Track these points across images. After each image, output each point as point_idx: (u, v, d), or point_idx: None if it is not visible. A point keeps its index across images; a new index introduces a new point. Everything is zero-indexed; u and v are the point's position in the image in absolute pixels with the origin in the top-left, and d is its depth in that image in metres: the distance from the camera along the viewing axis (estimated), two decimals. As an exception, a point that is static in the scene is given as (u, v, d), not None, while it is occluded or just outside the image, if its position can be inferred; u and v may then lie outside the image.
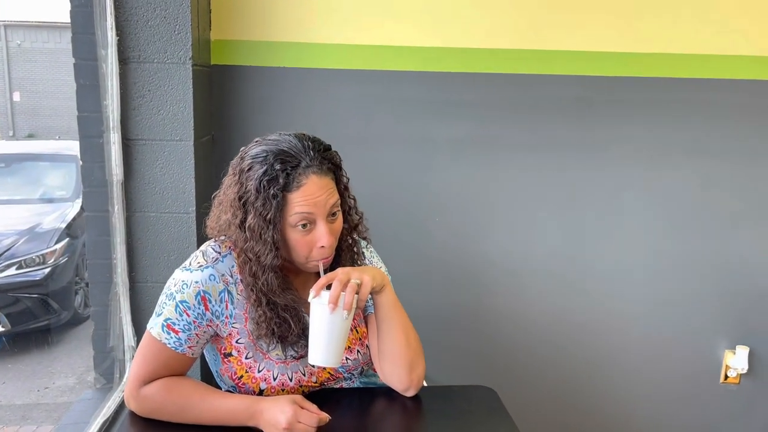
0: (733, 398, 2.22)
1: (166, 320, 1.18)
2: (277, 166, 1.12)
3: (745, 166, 2.06)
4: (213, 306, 1.19)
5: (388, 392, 1.32)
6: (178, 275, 1.21)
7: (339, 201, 1.20)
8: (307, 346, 1.16)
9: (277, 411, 1.11)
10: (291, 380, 1.25)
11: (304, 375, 1.26)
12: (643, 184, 2.06)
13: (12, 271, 4.03)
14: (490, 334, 2.13)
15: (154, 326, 1.20)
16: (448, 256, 2.07)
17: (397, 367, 1.27)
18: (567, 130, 2.01)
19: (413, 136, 2.00)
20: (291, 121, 1.96)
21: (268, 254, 1.15)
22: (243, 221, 1.16)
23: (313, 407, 1.14)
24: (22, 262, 4.09)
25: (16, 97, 12.49)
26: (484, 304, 2.11)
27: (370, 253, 1.40)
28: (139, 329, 1.75)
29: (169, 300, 1.19)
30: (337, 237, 1.21)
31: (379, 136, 1.98)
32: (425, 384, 1.69)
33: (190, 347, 1.20)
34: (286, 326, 1.19)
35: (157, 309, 1.21)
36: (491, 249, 2.08)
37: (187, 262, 1.23)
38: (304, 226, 1.16)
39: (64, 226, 4.38)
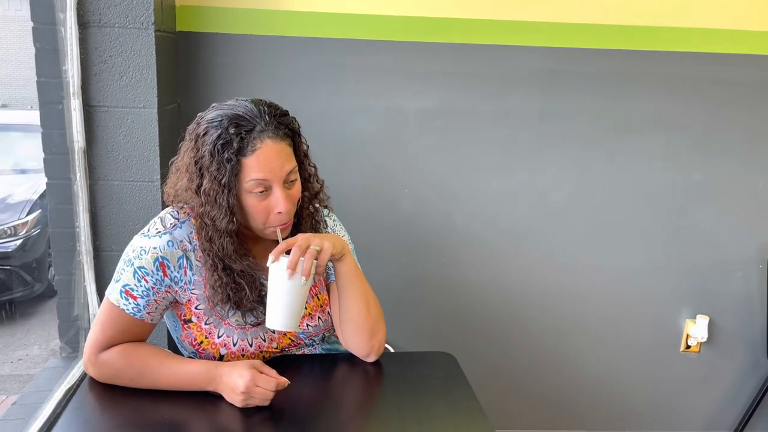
0: (693, 366, 2.29)
1: (124, 286, 1.18)
2: (232, 130, 1.11)
3: (706, 139, 2.09)
4: (171, 272, 1.19)
5: (350, 358, 1.34)
6: (137, 241, 1.21)
7: (296, 167, 1.20)
8: (265, 312, 1.17)
9: (236, 375, 1.13)
10: (251, 346, 1.25)
11: (264, 341, 1.27)
12: (607, 156, 2.08)
13: (-18, 243, 3.98)
14: (455, 302, 2.16)
15: (112, 292, 1.20)
16: (415, 226, 2.08)
17: (358, 334, 1.28)
18: (533, 101, 2.01)
19: (381, 107, 1.99)
20: (258, 90, 1.93)
21: (223, 219, 1.14)
22: (199, 186, 1.15)
23: (272, 372, 1.15)
24: (-7, 233, 4.04)
25: (-12, 66, 12.15)
26: (450, 273, 2.13)
27: (333, 222, 1.41)
28: (103, 297, 1.74)
29: (128, 266, 1.19)
30: (295, 203, 1.21)
31: (347, 105, 1.97)
32: (390, 349, 1.71)
33: (148, 313, 1.20)
34: (241, 292, 1.20)
35: (115, 275, 1.21)
36: (458, 219, 2.09)
37: (145, 229, 1.23)
38: (260, 192, 1.15)
39: (36, 197, 4.31)
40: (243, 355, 1.26)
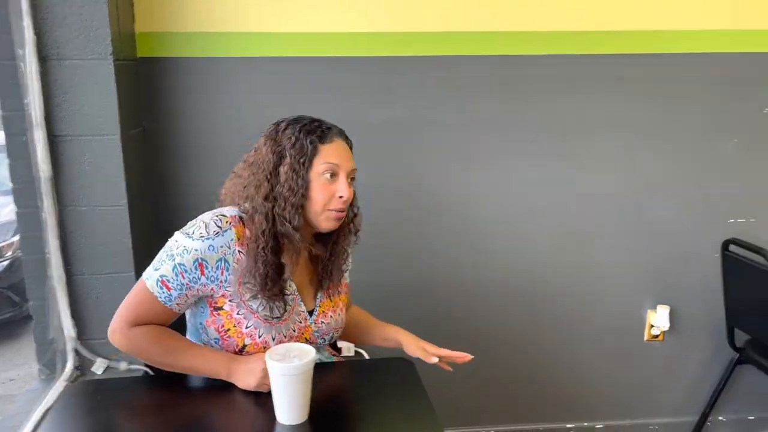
0: (658, 355, 2.36)
1: (162, 276, 1.27)
2: (315, 124, 1.32)
3: (658, 136, 2.16)
4: (209, 272, 1.27)
5: (315, 368, 1.40)
6: (181, 240, 1.28)
7: (356, 173, 1.36)
8: (284, 307, 1.32)
9: (254, 359, 1.25)
10: (273, 340, 1.34)
11: (285, 336, 1.36)
12: (567, 157, 2.14)
13: (-30, 265, 4.01)
14: (423, 303, 2.22)
15: (149, 278, 1.28)
16: (383, 235, 2.13)
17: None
18: (493, 108, 2.08)
19: (346, 121, 2.02)
20: (222, 111, 1.99)
21: (297, 192, 1.27)
22: (275, 170, 1.29)
23: None
24: (-20, 255, 4.07)
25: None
26: (420, 275, 2.19)
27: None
28: (79, 321, 1.80)
29: (169, 259, 1.27)
30: (350, 200, 1.34)
31: (310, 121, 2.03)
32: (366, 355, 1.79)
33: (178, 304, 1.29)
34: (274, 279, 1.29)
35: (154, 263, 1.29)
36: (425, 225, 2.16)
37: (189, 229, 1.29)
38: (331, 175, 1.29)
39: (21, 218, 4.34)
40: (264, 349, 1.33)
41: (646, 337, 2.33)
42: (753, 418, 2.47)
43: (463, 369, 2.27)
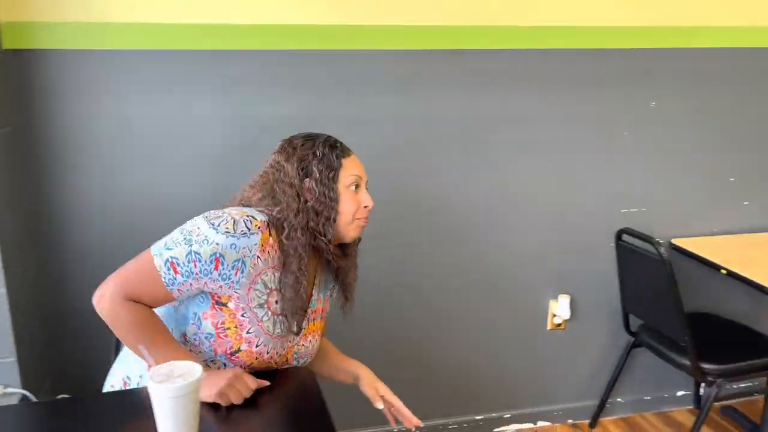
0: (561, 342, 2.43)
1: (172, 257, 1.21)
2: (332, 140, 1.36)
3: (555, 132, 2.20)
4: (223, 269, 1.22)
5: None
6: (204, 228, 1.22)
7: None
8: (293, 325, 1.31)
9: (224, 370, 1.23)
10: (267, 353, 1.32)
11: (277, 353, 1.34)
12: (468, 150, 2.15)
13: None
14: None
15: (158, 255, 1.22)
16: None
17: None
18: (399, 103, 2.05)
19: (235, 117, 1.95)
20: (101, 108, 1.86)
21: (330, 204, 1.30)
22: (301, 186, 1.30)
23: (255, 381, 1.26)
24: None
25: None
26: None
27: None
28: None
29: (185, 243, 1.21)
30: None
31: (199, 117, 1.92)
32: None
33: (179, 290, 1.23)
34: (296, 289, 1.30)
35: (167, 241, 1.23)
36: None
37: (215, 219, 1.23)
38: (356, 187, 1.35)
39: None
40: (256, 359, 1.31)
41: (549, 327, 2.39)
42: (649, 398, 2.60)
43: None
